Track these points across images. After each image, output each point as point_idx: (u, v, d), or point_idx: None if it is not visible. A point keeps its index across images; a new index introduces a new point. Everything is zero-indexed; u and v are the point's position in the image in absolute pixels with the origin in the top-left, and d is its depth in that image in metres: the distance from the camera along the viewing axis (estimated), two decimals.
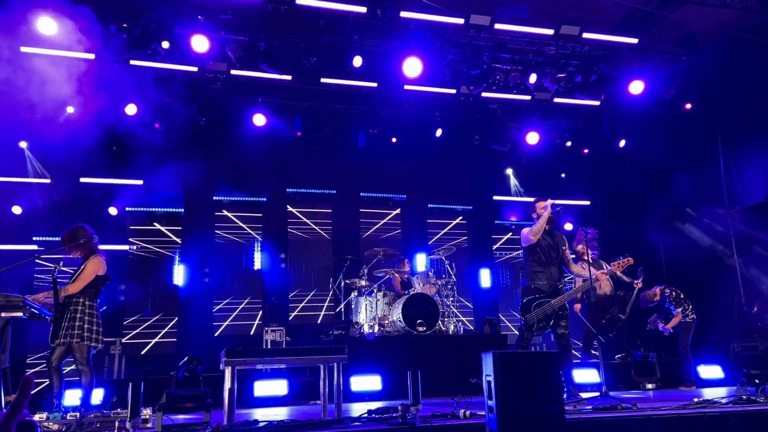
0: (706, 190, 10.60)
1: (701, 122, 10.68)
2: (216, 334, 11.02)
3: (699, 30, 9.87)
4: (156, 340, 10.75)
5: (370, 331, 8.79)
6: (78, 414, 4.71)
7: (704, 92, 10.43)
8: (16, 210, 9.95)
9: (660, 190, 11.58)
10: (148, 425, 4.69)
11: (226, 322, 11.24)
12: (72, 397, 6.32)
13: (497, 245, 13.32)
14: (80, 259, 5.67)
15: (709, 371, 8.69)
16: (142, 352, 10.60)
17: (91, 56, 8.62)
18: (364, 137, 11.41)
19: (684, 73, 10.40)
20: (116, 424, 4.46)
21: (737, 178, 10.20)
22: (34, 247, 9.97)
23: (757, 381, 5.47)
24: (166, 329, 10.83)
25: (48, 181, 10.15)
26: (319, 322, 11.59)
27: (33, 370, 9.61)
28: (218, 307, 11.27)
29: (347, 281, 9.66)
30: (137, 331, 10.65)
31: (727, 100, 10.17)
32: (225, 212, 11.72)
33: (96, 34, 8.34)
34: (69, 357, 5.49)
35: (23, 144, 10.21)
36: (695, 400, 5.00)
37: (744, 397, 4.92)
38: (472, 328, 11.68)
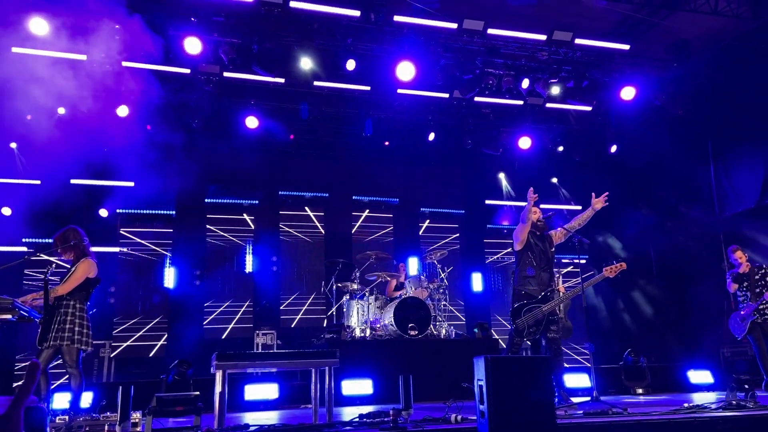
0: (697, 195, 10.67)
1: (692, 128, 10.75)
2: (207, 338, 10.96)
3: (690, 37, 9.95)
4: (146, 343, 10.67)
5: (362, 334, 8.78)
6: (67, 417, 4.67)
7: (695, 98, 10.51)
8: (6, 211, 9.87)
9: (651, 196, 11.64)
10: (138, 429, 4.65)
11: (218, 326, 11.18)
12: (61, 401, 6.27)
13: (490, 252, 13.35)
14: (71, 261, 5.63)
15: (699, 376, 8.73)
16: (132, 356, 10.51)
17: (83, 57, 8.59)
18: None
19: (675, 79, 10.47)
20: (105, 427, 4.42)
21: (727, 183, 10.27)
22: (24, 248, 9.89)
23: (746, 386, 5.50)
24: (156, 332, 10.75)
25: (38, 182, 10.07)
26: (310, 326, 11.55)
27: (20, 373, 9.53)
28: (209, 309, 11.21)
29: (339, 285, 9.65)
30: (127, 334, 10.57)
31: (718, 107, 10.25)
32: (217, 214, 11.67)
33: (88, 35, 8.30)
34: (57, 360, 5.45)
35: (13, 145, 10.15)
36: (685, 405, 5.03)
37: (734, 402, 4.94)
38: (463, 332, 11.67)
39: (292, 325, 11.52)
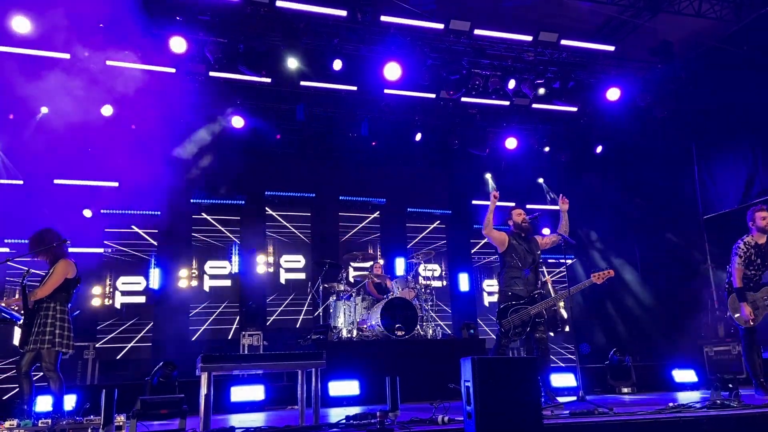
0: (681, 195, 10.76)
1: (676, 130, 10.84)
2: (192, 339, 10.88)
3: (674, 39, 10.04)
4: (131, 344, 10.57)
5: (349, 335, 8.76)
6: (50, 421, 4.61)
7: (679, 100, 10.60)
8: None
9: (635, 196, 11.72)
10: None
11: (203, 327, 11.10)
12: (44, 404, 6.19)
13: (475, 249, 13.37)
14: (48, 264, 5.55)
15: (684, 375, 8.81)
16: (117, 357, 10.41)
17: (67, 56, 8.49)
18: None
19: (659, 81, 10.56)
20: (89, 431, 4.37)
21: (711, 184, 10.36)
22: (6, 249, 9.76)
23: (730, 385, 5.54)
24: (141, 334, 10.66)
25: (21, 182, 9.95)
26: (297, 326, 11.51)
27: (3, 376, 9.40)
28: (195, 310, 11.12)
29: (326, 285, 9.62)
30: (112, 336, 10.46)
31: (701, 109, 10.34)
32: (202, 215, 11.58)
33: (72, 33, 8.21)
34: (40, 362, 5.38)
35: None
36: (670, 404, 5.06)
37: (718, 401, 4.98)
38: (450, 332, 11.69)
39: (279, 326, 11.46)
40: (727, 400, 5.05)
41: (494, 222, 12.41)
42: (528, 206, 6.65)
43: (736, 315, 6.21)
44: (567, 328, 9.18)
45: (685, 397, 7.00)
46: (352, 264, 10.80)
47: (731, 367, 8.54)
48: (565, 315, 8.71)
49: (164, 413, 4.54)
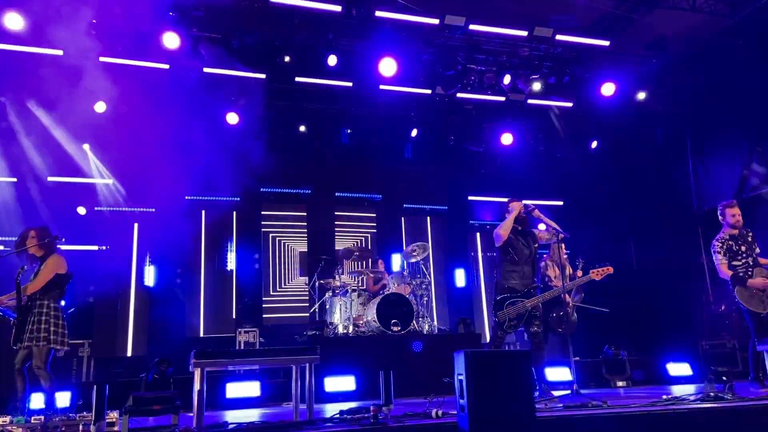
0: (676, 190, 10.77)
1: (671, 124, 10.85)
2: (189, 336, 10.87)
3: (669, 33, 10.04)
4: (127, 342, 10.55)
5: (345, 331, 8.76)
6: (42, 417, 4.60)
7: (674, 94, 10.60)
8: None
9: (630, 190, 11.73)
10: (115, 428, 4.59)
11: (200, 324, 11.08)
12: (38, 401, 6.18)
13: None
14: (38, 261, 5.53)
15: (678, 369, 8.83)
16: (112, 355, 10.39)
17: (59, 52, 8.46)
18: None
19: (654, 75, 10.56)
20: (80, 427, 4.36)
21: (705, 178, 10.38)
22: (1, 247, 9.73)
23: (724, 378, 5.56)
24: (137, 331, 10.63)
25: (14, 180, 9.91)
26: (293, 323, 11.50)
27: None
28: (191, 307, 11.11)
29: (322, 281, 9.61)
30: (108, 332, 10.44)
31: (696, 103, 10.35)
32: (197, 211, 11.55)
33: (64, 30, 8.18)
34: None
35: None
36: (664, 397, 5.07)
37: (712, 394, 4.99)
38: (446, 327, 11.68)
39: (275, 323, 11.45)
40: (721, 392, 5.06)
41: (492, 217, 12.41)
42: (524, 201, 6.64)
43: (750, 300, 6.12)
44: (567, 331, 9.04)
45: (679, 390, 7.01)
46: (348, 260, 10.79)
47: (726, 361, 8.55)
48: (575, 318, 8.50)
49: (157, 409, 4.52)
